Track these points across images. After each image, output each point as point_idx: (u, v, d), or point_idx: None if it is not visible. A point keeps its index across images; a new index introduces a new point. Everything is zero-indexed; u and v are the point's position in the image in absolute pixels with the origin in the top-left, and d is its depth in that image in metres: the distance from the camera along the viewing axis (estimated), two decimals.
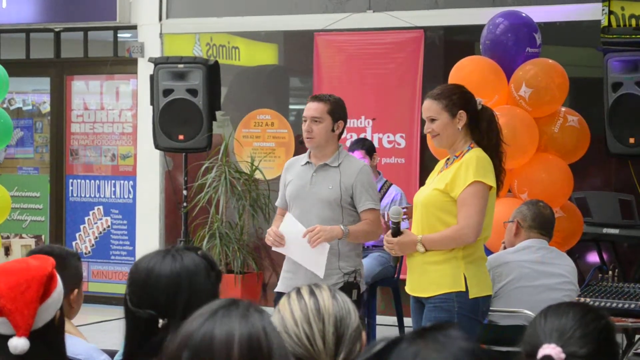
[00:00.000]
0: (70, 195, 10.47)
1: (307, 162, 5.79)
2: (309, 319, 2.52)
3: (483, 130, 4.99)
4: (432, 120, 5.01)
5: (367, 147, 7.79)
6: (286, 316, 2.54)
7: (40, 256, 2.78)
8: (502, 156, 5.06)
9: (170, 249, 2.79)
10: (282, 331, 2.50)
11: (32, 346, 2.60)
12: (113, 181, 10.30)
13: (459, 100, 4.99)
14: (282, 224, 5.62)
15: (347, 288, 5.58)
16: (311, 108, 5.74)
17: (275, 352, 1.89)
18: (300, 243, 5.52)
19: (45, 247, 3.77)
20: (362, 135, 8.65)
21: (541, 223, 5.73)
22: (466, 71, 6.94)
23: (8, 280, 2.63)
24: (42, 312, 2.64)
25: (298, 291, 2.59)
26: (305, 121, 5.73)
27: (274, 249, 5.68)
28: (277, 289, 5.81)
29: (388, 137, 8.91)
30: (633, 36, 6.98)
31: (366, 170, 5.74)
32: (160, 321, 2.69)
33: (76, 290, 3.55)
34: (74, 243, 10.28)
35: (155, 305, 2.70)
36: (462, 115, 4.96)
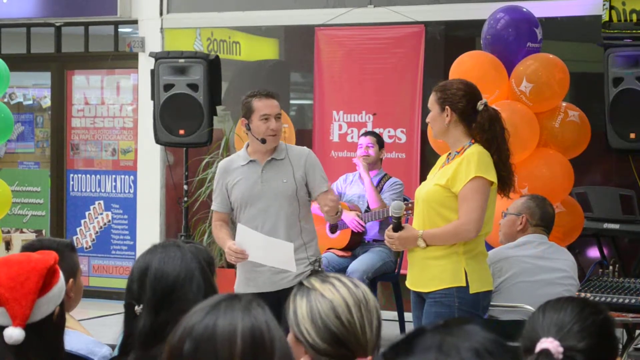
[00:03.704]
0: (70, 190, 10.47)
1: (250, 161, 5.66)
2: (359, 306, 2.48)
3: (485, 130, 4.99)
4: (430, 110, 5.10)
5: (378, 137, 8.07)
6: (337, 302, 2.48)
7: (43, 251, 2.79)
8: (508, 156, 5.04)
9: (161, 242, 2.86)
10: (333, 316, 2.45)
11: (27, 339, 2.61)
12: (114, 176, 10.31)
13: (451, 96, 5.01)
14: (237, 238, 5.50)
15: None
16: (274, 105, 5.65)
17: (277, 345, 1.90)
18: (263, 248, 5.48)
19: (35, 241, 3.76)
20: (362, 130, 8.69)
21: (547, 221, 5.75)
22: (467, 66, 6.95)
23: (9, 271, 2.65)
24: (41, 305, 2.65)
25: (337, 278, 2.55)
26: (267, 119, 5.60)
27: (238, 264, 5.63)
28: (241, 291, 5.57)
29: (389, 132, 8.91)
30: (634, 31, 6.98)
31: (312, 154, 5.72)
32: (136, 308, 2.76)
33: (71, 280, 3.55)
34: (74, 238, 10.28)
35: (130, 294, 2.81)
36: (448, 111, 4.98)
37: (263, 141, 5.61)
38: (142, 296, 2.77)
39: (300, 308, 2.49)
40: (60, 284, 2.73)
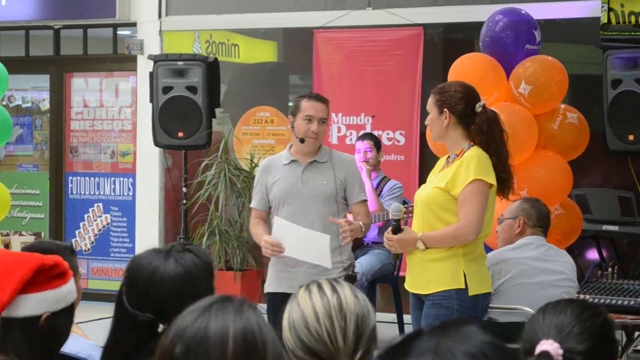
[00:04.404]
0: (69, 192, 10.47)
1: (293, 161, 5.72)
2: (331, 315, 2.50)
3: (483, 132, 4.99)
4: (429, 112, 5.10)
5: (375, 141, 7.95)
6: (307, 311, 2.51)
7: (55, 257, 2.75)
8: (507, 158, 5.04)
9: (170, 249, 2.75)
10: (302, 326, 2.49)
11: (8, 332, 2.59)
12: (113, 178, 10.31)
13: (450, 98, 5.00)
14: (273, 230, 5.55)
15: (348, 282, 5.60)
16: (319, 109, 5.70)
17: (270, 347, 1.89)
18: (300, 242, 5.50)
19: (35, 242, 3.75)
20: (361, 132, 8.67)
21: (544, 221, 5.76)
22: (465, 68, 6.94)
23: (4, 257, 2.64)
24: (28, 301, 2.61)
25: (319, 286, 2.57)
26: (311, 120, 5.66)
27: (273, 258, 5.63)
28: (272, 290, 5.71)
29: (387, 134, 8.91)
30: (633, 33, 6.98)
31: (355, 164, 5.82)
32: (161, 326, 2.64)
33: None
34: (73, 240, 10.28)
35: (158, 309, 2.65)
36: (447, 114, 4.98)
37: (302, 141, 5.68)
38: (173, 315, 2.62)
39: (284, 316, 2.54)
40: (58, 294, 2.66)
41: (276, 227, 5.54)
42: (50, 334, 2.69)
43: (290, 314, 2.53)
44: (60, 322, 2.72)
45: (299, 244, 5.50)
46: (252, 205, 5.87)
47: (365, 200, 5.75)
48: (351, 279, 5.64)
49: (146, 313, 2.65)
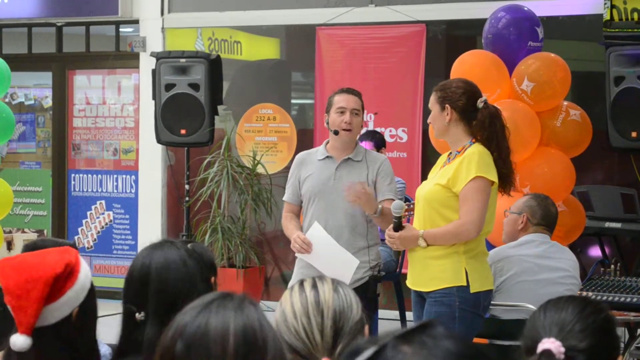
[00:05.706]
0: (72, 189, 10.47)
1: (327, 157, 5.72)
2: (308, 313, 2.53)
3: (485, 127, 4.99)
4: (431, 110, 5.11)
5: (376, 140, 7.83)
6: (287, 309, 2.55)
7: (63, 250, 2.76)
8: (508, 153, 5.04)
9: (159, 243, 2.82)
10: (283, 324, 2.51)
11: (43, 341, 2.61)
12: (115, 176, 10.31)
13: (451, 95, 5.02)
14: (309, 232, 5.54)
15: (372, 283, 5.60)
16: (352, 100, 5.70)
17: (270, 343, 1.90)
18: (328, 254, 5.49)
19: (37, 240, 3.75)
20: (364, 130, 8.64)
21: (549, 221, 5.75)
22: (468, 65, 6.94)
23: (17, 278, 2.63)
24: (53, 310, 2.63)
25: (301, 284, 2.60)
26: (343, 112, 5.65)
27: (298, 255, 5.62)
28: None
29: (390, 131, 8.90)
30: (635, 30, 6.97)
31: (388, 163, 5.78)
32: (137, 315, 2.73)
33: None
34: (76, 237, 10.28)
35: (130, 298, 2.77)
36: (448, 110, 4.99)
37: (335, 132, 5.67)
38: (142, 304, 2.74)
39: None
40: (78, 287, 2.68)
41: (312, 230, 5.53)
42: (83, 323, 2.72)
43: (276, 313, 2.56)
44: (89, 305, 2.74)
45: (327, 256, 5.49)
46: (284, 198, 5.87)
47: (392, 199, 5.57)
48: (375, 280, 5.63)
49: (129, 304, 2.76)
